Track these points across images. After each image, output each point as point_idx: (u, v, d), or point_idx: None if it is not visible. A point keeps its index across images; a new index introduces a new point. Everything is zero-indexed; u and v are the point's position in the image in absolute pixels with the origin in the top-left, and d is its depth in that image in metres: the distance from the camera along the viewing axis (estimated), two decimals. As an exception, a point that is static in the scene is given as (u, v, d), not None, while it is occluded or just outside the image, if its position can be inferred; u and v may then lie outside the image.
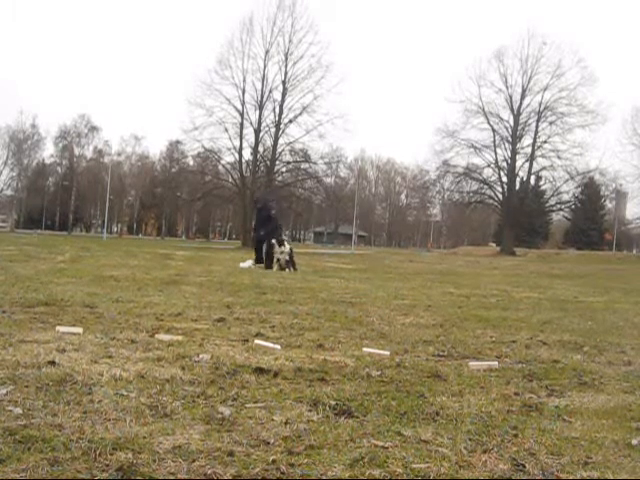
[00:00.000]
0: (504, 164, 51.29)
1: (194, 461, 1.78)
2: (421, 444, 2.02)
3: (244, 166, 44.52)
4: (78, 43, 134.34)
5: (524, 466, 1.86)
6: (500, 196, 51.93)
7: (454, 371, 3.22)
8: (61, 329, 3.76)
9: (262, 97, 43.77)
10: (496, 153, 51.14)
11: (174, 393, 2.49)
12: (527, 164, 51.15)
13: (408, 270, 17.48)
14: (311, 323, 4.90)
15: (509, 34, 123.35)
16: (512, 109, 50.49)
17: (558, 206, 54.36)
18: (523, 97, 50.19)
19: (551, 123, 49.69)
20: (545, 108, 49.50)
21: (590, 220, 65.43)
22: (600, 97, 51.33)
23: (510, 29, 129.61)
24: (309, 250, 39.77)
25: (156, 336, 3.78)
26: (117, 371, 2.76)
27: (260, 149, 44.63)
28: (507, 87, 50.23)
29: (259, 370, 2.96)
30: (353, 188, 74.64)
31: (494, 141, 50.82)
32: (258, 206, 15.14)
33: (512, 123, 50.54)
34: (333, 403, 2.43)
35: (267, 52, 43.93)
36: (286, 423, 2.17)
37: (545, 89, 49.08)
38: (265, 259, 13.55)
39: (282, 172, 46.95)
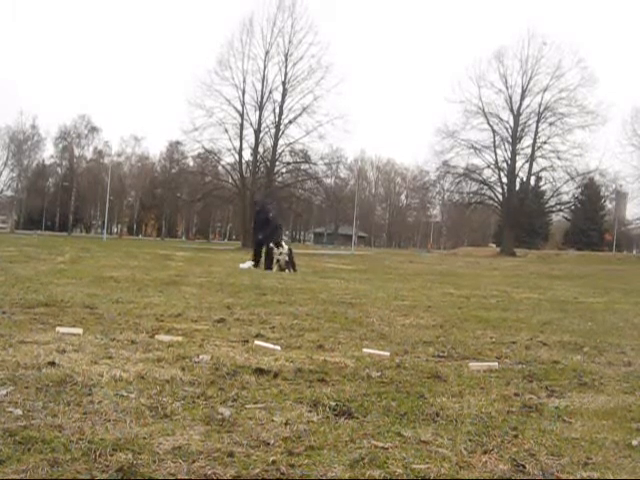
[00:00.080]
0: (504, 165, 51.31)
1: (194, 462, 1.78)
2: (421, 445, 2.02)
3: (244, 167, 44.55)
4: (78, 43, 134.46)
5: (524, 467, 1.86)
6: (500, 197, 51.94)
7: (454, 372, 3.22)
8: (61, 330, 3.76)
9: (262, 98, 43.80)
10: (496, 154, 51.17)
11: (174, 394, 2.49)
12: (527, 165, 51.17)
13: (408, 271, 17.48)
14: (311, 324, 4.90)
15: (509, 34, 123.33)
16: (512, 110, 50.50)
17: (558, 207, 54.37)
18: (523, 98, 50.21)
19: (551, 124, 49.70)
20: (545, 109, 49.52)
21: (590, 221, 65.44)
22: (600, 98, 51.33)
23: (510, 29, 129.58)
24: (309, 251, 39.77)
25: (156, 337, 3.78)
26: (117, 372, 2.76)
27: (260, 150, 44.67)
28: (507, 88, 50.25)
29: (259, 371, 2.96)
30: (353, 189, 74.69)
31: (494, 142, 50.85)
32: (256, 209, 15.14)
33: (512, 124, 50.55)
34: (333, 404, 2.43)
35: (267, 53, 43.99)
36: (286, 424, 2.17)
37: (545, 90, 49.11)
38: (265, 260, 13.56)
39: (282, 173, 46.97)
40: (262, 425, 2.15)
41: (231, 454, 1.84)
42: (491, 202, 53.76)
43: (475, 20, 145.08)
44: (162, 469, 1.71)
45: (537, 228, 65.50)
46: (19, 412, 2.12)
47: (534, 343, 4.43)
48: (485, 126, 50.62)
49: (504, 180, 51.31)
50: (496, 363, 3.48)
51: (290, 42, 43.87)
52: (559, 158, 48.94)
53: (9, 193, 67.55)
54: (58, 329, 3.79)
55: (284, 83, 43.83)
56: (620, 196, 59.18)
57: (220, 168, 47.39)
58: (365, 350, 3.70)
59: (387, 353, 3.62)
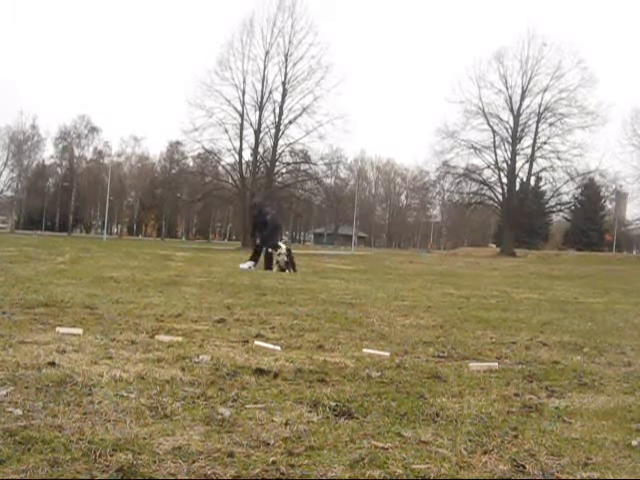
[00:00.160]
0: (504, 165, 51.32)
1: (194, 462, 1.78)
2: (421, 445, 2.02)
3: (244, 167, 44.55)
4: (78, 44, 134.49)
5: (524, 467, 1.86)
6: (500, 197, 51.94)
7: (454, 372, 3.22)
8: (61, 330, 3.76)
9: (262, 98, 43.82)
10: (496, 154, 51.18)
11: (174, 394, 2.49)
12: (527, 165, 51.18)
13: (408, 271, 17.48)
14: (311, 324, 4.90)
15: (509, 35, 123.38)
16: (512, 110, 50.52)
17: (558, 207, 54.39)
18: (523, 98, 50.23)
19: (551, 124, 49.72)
20: (545, 109, 49.53)
21: (590, 221, 65.44)
22: (600, 98, 51.22)
23: (510, 30, 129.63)
24: (309, 251, 39.77)
25: (156, 337, 3.78)
26: (117, 372, 2.76)
27: (260, 150, 44.69)
28: (507, 88, 50.27)
29: (259, 371, 2.96)
30: (353, 189, 74.70)
31: (494, 142, 50.87)
32: (254, 213, 15.14)
33: (512, 124, 50.56)
34: (333, 404, 2.43)
35: (267, 53, 44.01)
36: (286, 424, 2.17)
37: (545, 90, 49.13)
38: (265, 260, 13.58)
39: (282, 173, 46.99)
40: (262, 425, 2.15)
41: (231, 454, 1.84)
42: (491, 202, 53.77)
43: (475, 20, 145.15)
44: (162, 469, 1.71)
45: (537, 228, 65.50)
46: (19, 412, 2.12)
47: (534, 343, 4.42)
48: (485, 126, 50.66)
49: (504, 180, 51.32)
50: (496, 363, 3.48)
51: (290, 42, 43.93)
52: (559, 158, 48.97)
53: (9, 193, 67.59)
54: (58, 329, 3.79)
55: (284, 83, 43.86)
56: (620, 196, 59.18)
57: (220, 168, 47.44)
58: (365, 350, 3.70)
59: (387, 353, 3.62)
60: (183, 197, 62.40)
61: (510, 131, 50.63)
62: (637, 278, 19.02)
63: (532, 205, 53.63)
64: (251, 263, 13.66)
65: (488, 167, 51.72)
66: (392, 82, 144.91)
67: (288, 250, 13.78)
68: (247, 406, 2.38)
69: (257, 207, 15.29)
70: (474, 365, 3.40)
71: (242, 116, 43.57)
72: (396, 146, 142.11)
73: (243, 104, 43.61)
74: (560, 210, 56.04)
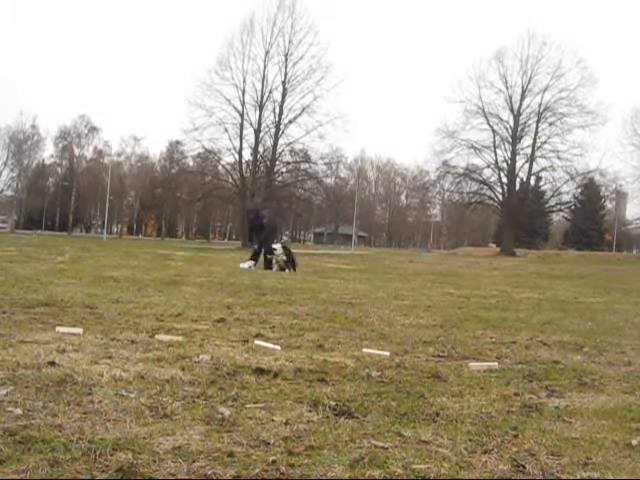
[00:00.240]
0: (504, 165, 51.30)
1: (194, 462, 1.78)
2: (421, 445, 2.02)
3: (244, 166, 44.54)
4: (78, 44, 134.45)
5: (524, 467, 1.86)
6: (500, 197, 51.93)
7: (454, 372, 3.22)
8: (61, 330, 3.76)
9: (262, 98, 43.80)
10: (496, 154, 51.15)
11: (174, 394, 2.49)
12: (527, 165, 51.16)
13: (408, 271, 17.48)
14: (311, 324, 4.90)
15: (509, 35, 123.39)
16: (512, 110, 50.49)
17: (558, 207, 54.38)
18: (523, 98, 50.20)
19: (551, 124, 49.69)
20: (545, 109, 49.51)
21: (590, 221, 65.42)
22: (600, 98, 51.32)
23: (510, 29, 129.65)
24: (309, 251, 39.77)
25: (156, 337, 3.78)
26: (117, 372, 2.76)
27: (260, 149, 44.66)
28: (507, 88, 50.24)
29: (259, 371, 2.96)
30: (353, 189, 74.67)
31: (494, 142, 50.84)
32: (250, 217, 15.15)
33: (512, 124, 50.54)
34: (333, 404, 2.43)
35: (267, 53, 43.98)
36: (286, 424, 2.17)
37: (545, 90, 49.10)
38: (265, 260, 13.63)
39: (282, 172, 46.97)
40: (262, 425, 2.15)
41: (231, 454, 1.84)
42: (491, 202, 53.75)
43: (475, 20, 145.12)
44: (162, 469, 1.71)
45: (537, 228, 65.49)
46: (19, 412, 2.12)
47: (534, 343, 4.42)
48: (485, 126, 50.63)
49: (504, 180, 51.31)
50: (496, 363, 3.48)
51: (290, 42, 43.91)
52: (559, 158, 48.95)
53: (9, 193, 67.57)
54: (58, 329, 3.79)
55: (284, 83, 43.85)
56: (620, 196, 59.19)
57: (220, 168, 47.41)
58: (365, 350, 3.70)
59: (387, 353, 3.62)
60: (183, 197, 62.34)
61: (510, 131, 50.61)
62: (637, 278, 19.02)
63: (532, 205, 53.62)
64: (251, 263, 13.68)
65: (488, 167, 51.71)
66: (392, 82, 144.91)
67: (288, 249, 13.81)
68: (247, 405, 2.38)
69: (253, 211, 15.33)
70: (474, 365, 3.40)
71: (242, 115, 43.58)
72: (396, 146, 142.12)
73: (243, 104, 43.63)
74: (560, 210, 56.04)
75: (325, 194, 50.69)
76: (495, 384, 2.98)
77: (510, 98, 50.23)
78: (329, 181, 59.56)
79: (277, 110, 43.94)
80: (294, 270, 13.40)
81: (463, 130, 49.97)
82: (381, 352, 3.63)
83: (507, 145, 51.11)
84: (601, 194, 63.57)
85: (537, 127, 49.91)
